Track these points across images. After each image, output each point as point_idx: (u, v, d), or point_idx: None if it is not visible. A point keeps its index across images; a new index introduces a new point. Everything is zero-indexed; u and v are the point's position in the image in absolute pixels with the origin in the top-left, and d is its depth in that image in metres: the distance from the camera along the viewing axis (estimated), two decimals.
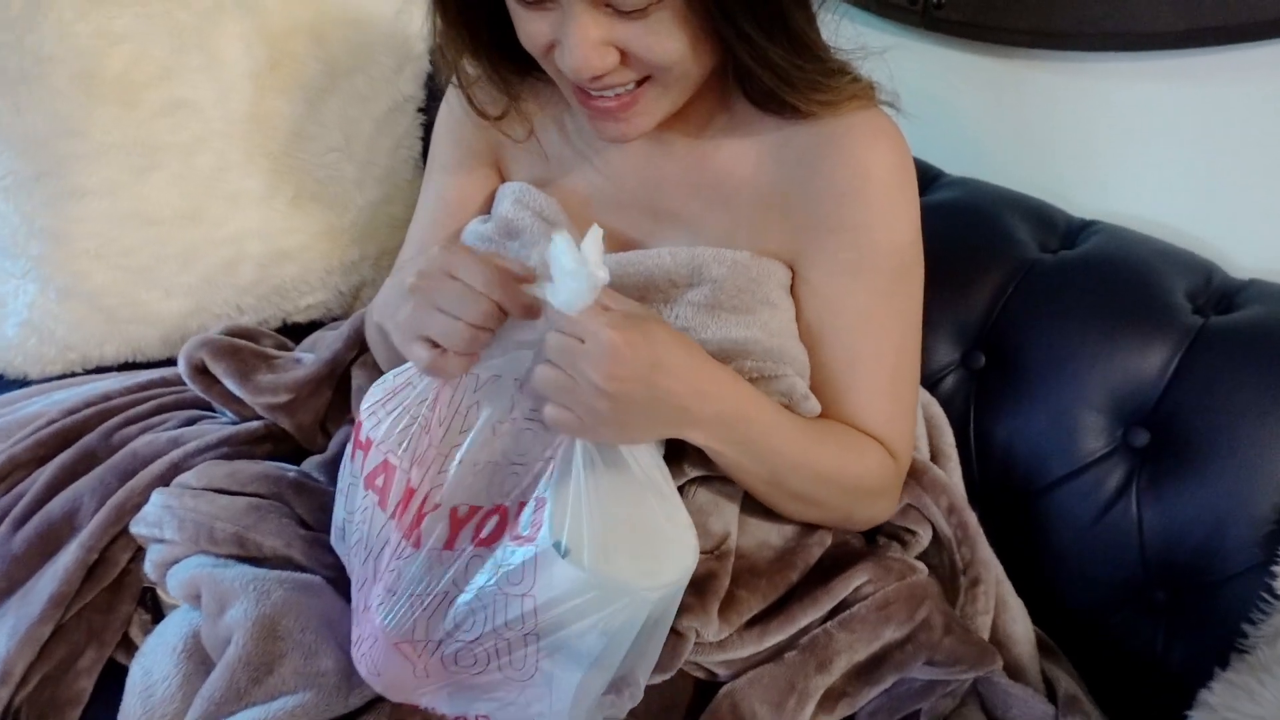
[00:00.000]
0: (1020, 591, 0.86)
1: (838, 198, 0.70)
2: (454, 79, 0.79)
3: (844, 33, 1.06)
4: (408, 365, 0.68)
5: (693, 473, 0.72)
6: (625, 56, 0.63)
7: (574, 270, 0.57)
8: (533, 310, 0.60)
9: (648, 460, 0.65)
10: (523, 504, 0.63)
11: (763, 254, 0.73)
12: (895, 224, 0.72)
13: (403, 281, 0.62)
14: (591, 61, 0.62)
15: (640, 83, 0.66)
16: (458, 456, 0.65)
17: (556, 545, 0.59)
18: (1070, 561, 0.88)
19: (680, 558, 0.63)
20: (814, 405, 0.73)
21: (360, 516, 0.69)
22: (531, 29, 0.65)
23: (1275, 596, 0.76)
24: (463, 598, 0.62)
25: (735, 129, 0.74)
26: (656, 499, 0.64)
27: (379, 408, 0.69)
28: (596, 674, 0.62)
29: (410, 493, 0.65)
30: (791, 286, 0.75)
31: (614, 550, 0.59)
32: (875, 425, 0.74)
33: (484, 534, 0.64)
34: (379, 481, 0.67)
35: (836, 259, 0.72)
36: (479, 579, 0.62)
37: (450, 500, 0.64)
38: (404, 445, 0.66)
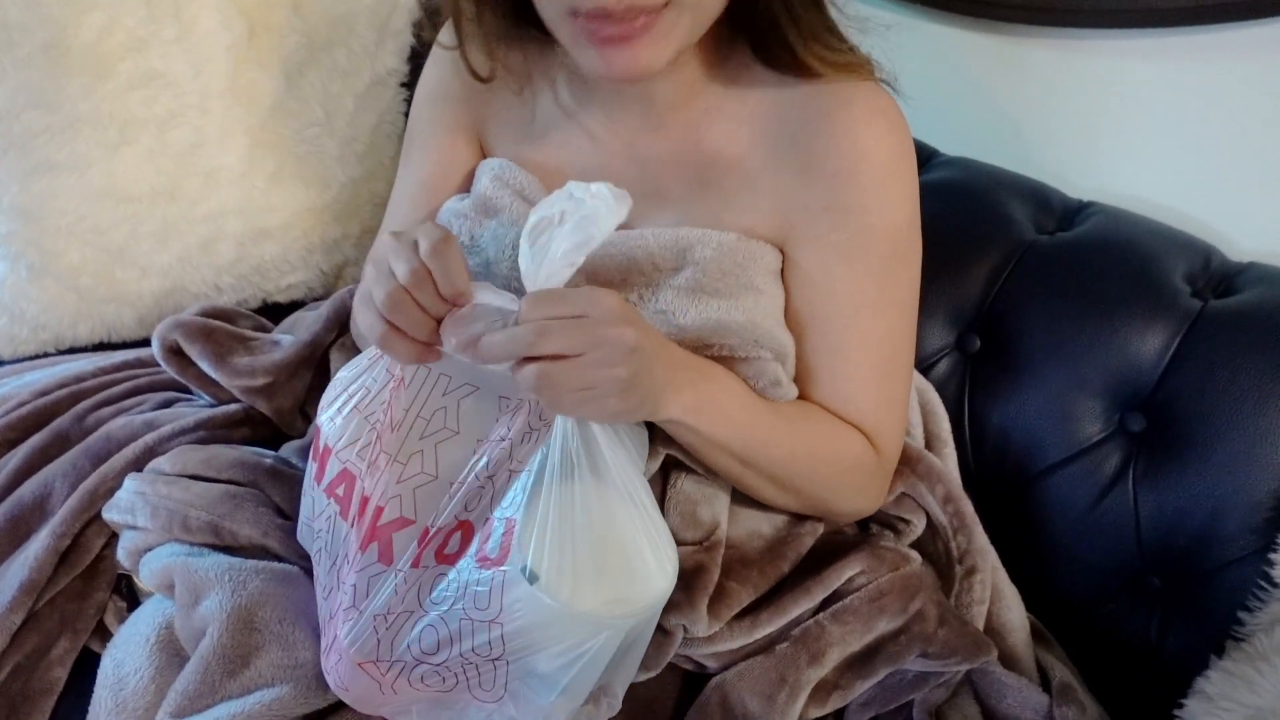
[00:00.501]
0: (1014, 578, 0.85)
1: (832, 176, 0.68)
2: (440, 41, 0.76)
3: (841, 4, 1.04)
4: (360, 364, 0.66)
5: (663, 451, 0.69)
6: None
7: (601, 193, 0.54)
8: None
9: (627, 472, 0.62)
10: (489, 521, 0.60)
11: (751, 236, 0.71)
12: (891, 207, 0.69)
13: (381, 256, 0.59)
14: None
15: (663, 6, 0.61)
16: (432, 473, 0.62)
17: (524, 570, 0.56)
18: (1066, 548, 0.87)
19: (656, 579, 0.60)
20: (784, 392, 0.71)
21: (322, 524, 0.66)
22: None
23: (1273, 584, 0.75)
24: (427, 619, 0.59)
25: (729, 101, 0.72)
26: (633, 514, 0.61)
27: (336, 412, 0.66)
28: (566, 699, 0.60)
29: (365, 501, 0.63)
30: (782, 271, 0.72)
31: (585, 577, 0.57)
32: (860, 416, 0.72)
33: (448, 550, 0.61)
34: (340, 490, 0.65)
35: (828, 241, 0.70)
36: (444, 601, 0.59)
37: (420, 517, 0.62)
38: (359, 453, 0.64)
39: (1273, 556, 0.75)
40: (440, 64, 0.82)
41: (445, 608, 0.57)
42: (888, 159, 0.69)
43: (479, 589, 0.57)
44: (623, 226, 0.72)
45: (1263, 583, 0.76)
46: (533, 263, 0.57)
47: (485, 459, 0.61)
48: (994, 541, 0.85)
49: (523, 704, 0.59)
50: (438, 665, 0.58)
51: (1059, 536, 0.87)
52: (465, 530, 0.60)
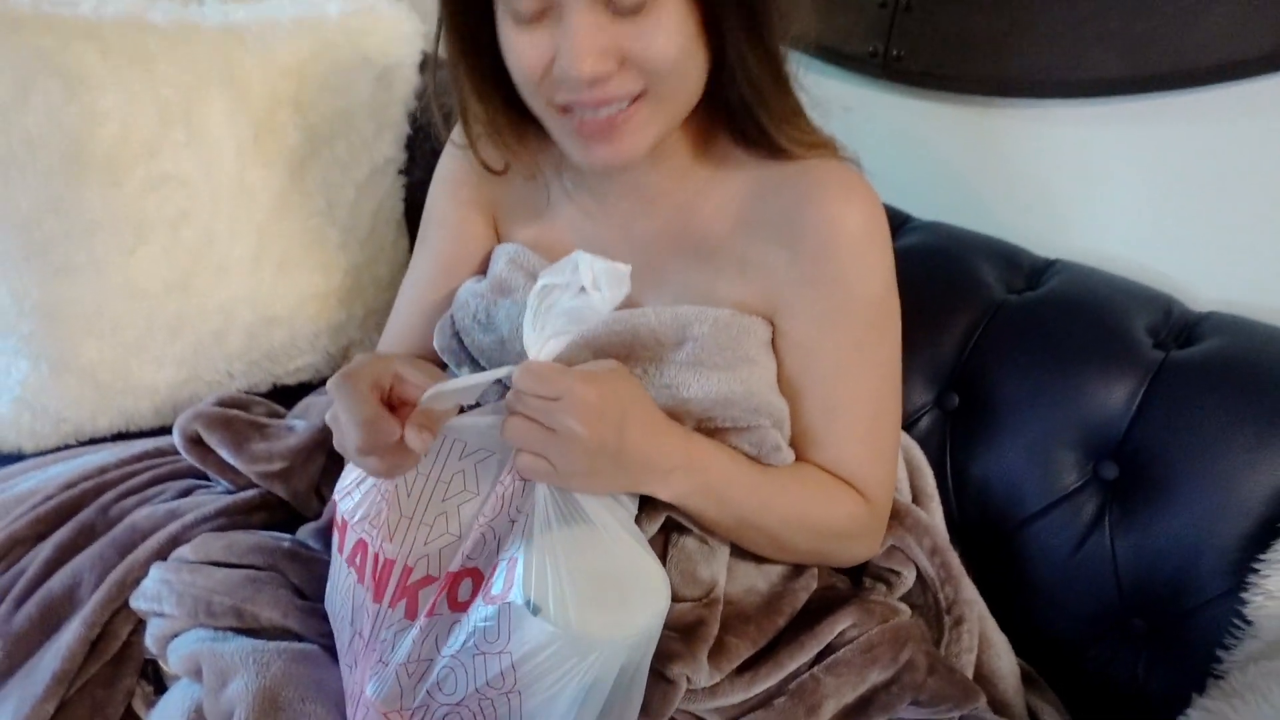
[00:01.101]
0: (1003, 624, 0.89)
1: (813, 253, 0.74)
2: (454, 140, 0.82)
3: (810, 85, 1.11)
4: None
5: (663, 513, 0.74)
6: (623, 64, 0.65)
7: (608, 270, 0.61)
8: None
9: (617, 511, 0.68)
10: (495, 566, 0.65)
11: (743, 310, 0.76)
12: (869, 277, 0.75)
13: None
14: (590, 64, 0.63)
15: (638, 97, 0.67)
16: (456, 533, 0.67)
17: (527, 603, 0.61)
18: (1050, 594, 0.91)
19: (650, 604, 0.65)
20: (784, 456, 0.76)
21: (343, 594, 0.71)
22: (528, 51, 0.66)
23: (1246, 621, 0.79)
24: (442, 660, 0.64)
25: (715, 185, 0.77)
26: (625, 547, 0.66)
27: (353, 487, 0.71)
28: None
29: (389, 565, 0.67)
30: (772, 340, 0.78)
31: (583, 603, 0.61)
32: (851, 471, 0.76)
33: (460, 597, 0.66)
34: (357, 559, 0.69)
35: (813, 311, 0.75)
36: (457, 640, 0.64)
37: (441, 569, 0.66)
38: (375, 523, 0.68)
39: (1244, 595, 0.79)
40: (455, 156, 0.87)
41: (458, 647, 0.62)
42: (862, 233, 0.74)
43: (488, 624, 0.61)
44: (625, 303, 0.79)
45: (1237, 621, 0.79)
46: (534, 329, 0.63)
47: (487, 509, 0.66)
48: (981, 589, 0.89)
49: None
50: (457, 705, 0.62)
51: (1043, 582, 0.91)
52: (475, 577, 0.64)
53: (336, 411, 0.65)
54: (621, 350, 0.75)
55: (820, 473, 0.76)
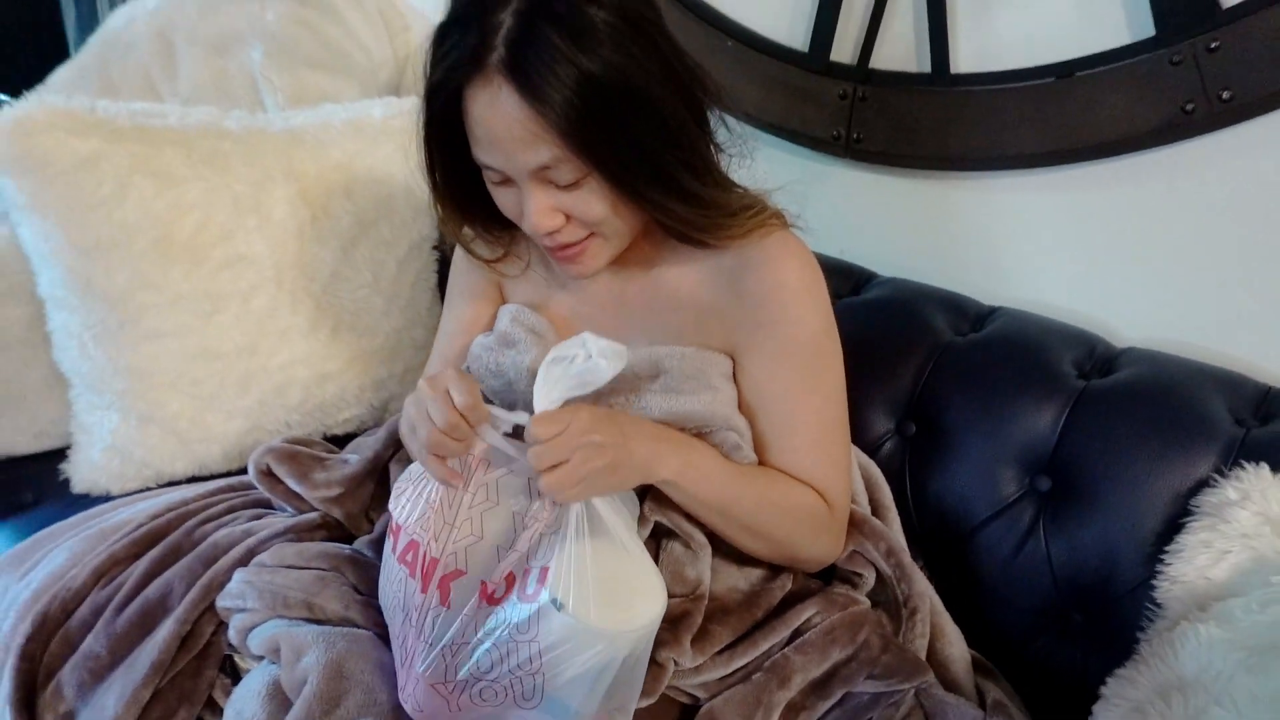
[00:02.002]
0: (958, 619, 1.02)
1: (761, 302, 0.90)
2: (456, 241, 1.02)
3: (782, 163, 1.29)
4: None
5: (653, 517, 0.89)
6: (569, 219, 0.85)
7: (605, 348, 0.78)
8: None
9: (626, 532, 0.83)
10: (528, 571, 0.80)
11: (706, 348, 0.93)
12: (807, 319, 0.91)
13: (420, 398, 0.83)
14: (544, 223, 0.84)
15: (587, 236, 0.87)
16: (479, 534, 0.83)
17: (554, 601, 0.76)
18: (998, 591, 1.04)
19: (650, 606, 0.80)
20: (744, 456, 0.91)
21: (396, 586, 0.86)
22: (504, 202, 0.88)
23: (1157, 604, 0.92)
24: (484, 645, 0.79)
25: (678, 259, 0.95)
26: (634, 558, 0.82)
27: (403, 498, 0.87)
28: (589, 699, 0.78)
29: (434, 563, 0.83)
30: (735, 374, 0.94)
31: (599, 603, 0.76)
32: (808, 477, 0.92)
33: (497, 595, 0.81)
34: (409, 557, 0.85)
35: (764, 349, 0.91)
36: (496, 632, 0.78)
37: (470, 569, 0.82)
38: (424, 526, 0.84)
39: (1154, 582, 0.92)
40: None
41: (495, 635, 0.77)
42: (799, 284, 0.91)
43: (521, 618, 0.76)
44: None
45: (1150, 605, 0.93)
46: (543, 391, 0.80)
47: (529, 530, 0.81)
48: (939, 590, 1.02)
49: (555, 709, 0.77)
50: (491, 681, 0.77)
51: (990, 582, 1.04)
52: (509, 579, 0.79)
53: (419, 413, 0.81)
54: (606, 386, 0.90)
55: (783, 474, 0.92)
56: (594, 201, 0.84)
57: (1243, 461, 0.92)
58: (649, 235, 0.94)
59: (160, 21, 1.60)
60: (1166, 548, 0.92)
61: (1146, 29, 1.03)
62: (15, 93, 1.27)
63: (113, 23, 1.65)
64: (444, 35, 0.82)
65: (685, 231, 0.88)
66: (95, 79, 1.56)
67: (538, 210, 0.84)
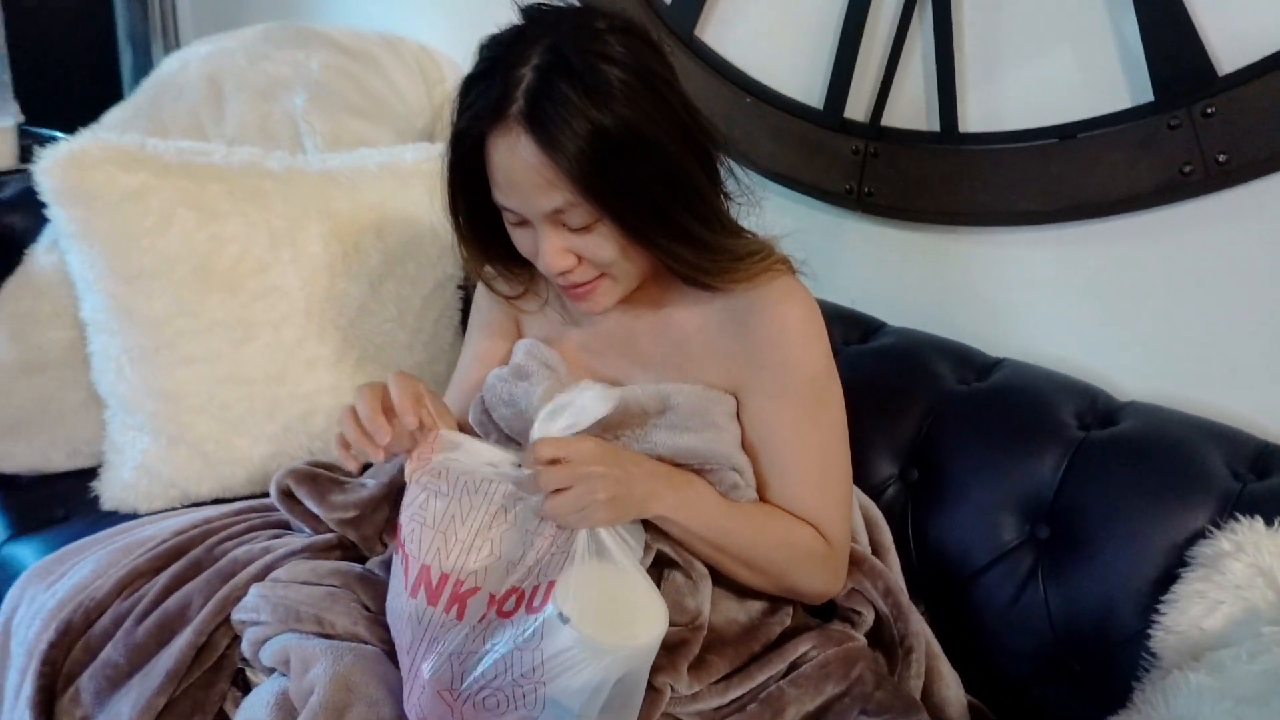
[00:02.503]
0: (957, 664, 1.03)
1: (764, 344, 0.94)
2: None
3: (796, 214, 1.34)
4: (423, 491, 0.90)
5: (655, 545, 0.92)
6: (580, 260, 0.90)
7: (602, 392, 0.83)
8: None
9: (631, 559, 0.86)
10: (537, 586, 0.83)
11: (712, 387, 0.97)
12: (808, 360, 0.95)
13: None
14: (557, 263, 0.89)
15: (598, 277, 0.92)
16: (490, 552, 0.86)
17: (559, 615, 0.79)
18: (996, 637, 1.06)
19: (650, 628, 0.83)
20: (742, 494, 0.94)
21: (402, 601, 0.89)
22: (521, 242, 0.93)
23: (1153, 654, 0.93)
24: (490, 655, 0.82)
25: (686, 300, 0.99)
26: (636, 585, 0.85)
27: (411, 520, 0.90)
28: (587, 710, 0.81)
29: (444, 578, 0.86)
30: (738, 412, 0.97)
31: (602, 620, 0.79)
32: (807, 514, 0.94)
33: (507, 608, 0.85)
34: (414, 573, 0.88)
35: (767, 389, 0.95)
36: (502, 642, 0.82)
37: (486, 585, 0.85)
38: (432, 547, 0.87)
39: (1150, 632, 0.93)
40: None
41: (503, 645, 0.79)
42: (801, 327, 0.94)
43: (527, 631, 0.79)
44: (618, 384, 0.99)
45: (1146, 655, 0.94)
46: (540, 426, 0.84)
47: (536, 547, 0.84)
48: (938, 634, 1.04)
49: (555, 718, 0.79)
50: (495, 689, 0.80)
51: (990, 628, 1.06)
52: (518, 594, 0.82)
53: (367, 395, 0.88)
54: (614, 418, 0.95)
55: (783, 511, 0.94)
56: (604, 244, 0.88)
57: (1238, 514, 0.94)
58: (659, 276, 0.98)
59: (211, 67, 1.69)
60: (1162, 597, 0.94)
61: (1146, 94, 1.07)
62: (71, 131, 1.34)
63: (166, 67, 1.75)
64: (470, 86, 0.88)
65: (692, 274, 0.92)
66: (147, 119, 1.64)
67: (551, 251, 0.89)
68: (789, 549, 0.93)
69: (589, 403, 0.83)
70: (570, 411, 0.84)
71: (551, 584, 0.82)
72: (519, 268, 1.03)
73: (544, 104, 0.82)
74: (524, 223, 0.90)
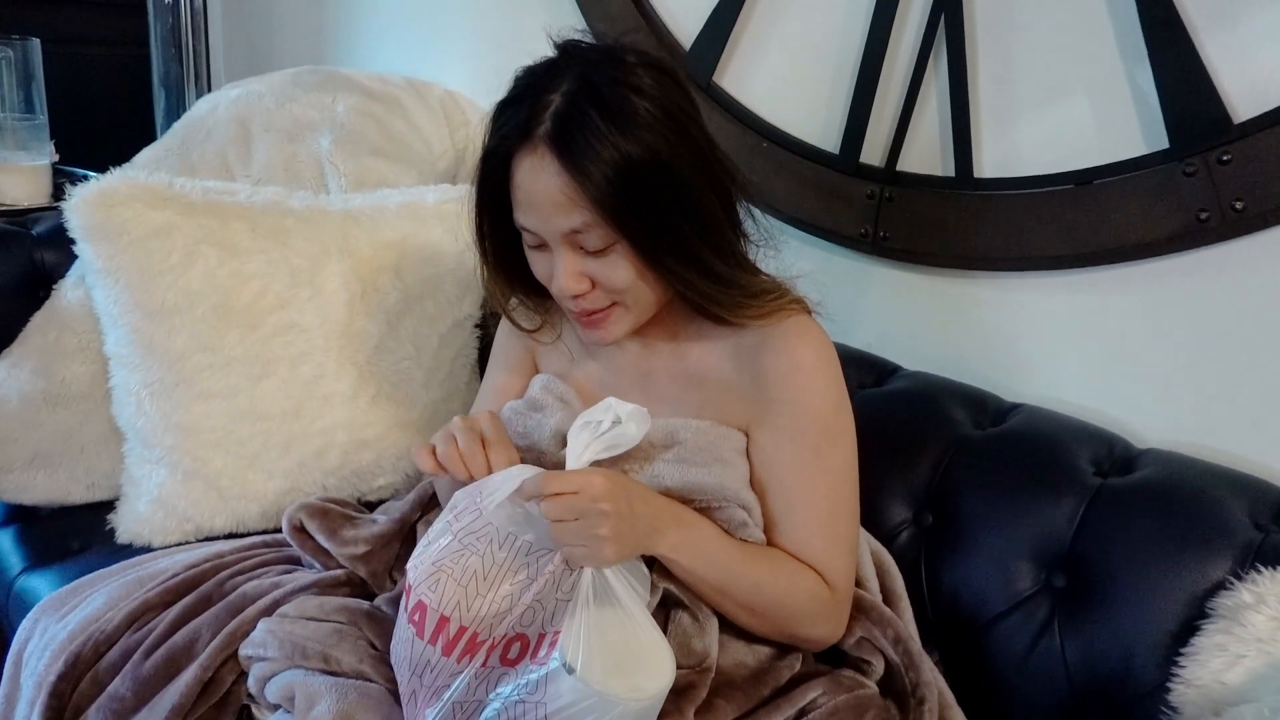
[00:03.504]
0: (972, 716, 1.01)
1: (777, 380, 0.94)
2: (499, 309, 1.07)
3: (812, 257, 1.34)
4: (438, 533, 0.90)
5: (662, 584, 0.91)
6: (594, 285, 0.90)
7: (632, 411, 0.85)
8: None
9: (637, 604, 0.85)
10: (542, 635, 0.83)
11: (723, 423, 0.96)
12: (820, 398, 0.94)
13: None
14: (571, 286, 0.90)
15: (611, 305, 0.92)
16: (506, 605, 0.85)
17: (565, 665, 0.78)
18: (1012, 688, 1.03)
19: (658, 677, 0.82)
20: (751, 532, 0.93)
21: (404, 645, 0.89)
22: (538, 266, 0.94)
23: (1173, 709, 0.91)
24: (493, 704, 0.81)
25: (702, 335, 0.99)
26: (645, 630, 0.83)
27: (419, 560, 0.90)
28: None
29: (444, 620, 0.85)
30: (748, 449, 0.97)
31: (608, 670, 0.78)
32: (812, 557, 0.93)
33: (510, 655, 0.84)
34: (416, 617, 0.87)
35: (777, 425, 0.95)
36: (505, 690, 0.81)
37: (490, 631, 0.84)
38: (453, 599, 0.86)
39: (1169, 685, 0.91)
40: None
41: (506, 694, 0.79)
42: (814, 365, 0.94)
43: (532, 680, 0.78)
44: None
45: (1165, 709, 0.91)
46: (574, 453, 0.84)
47: (535, 588, 0.84)
48: (952, 684, 1.02)
49: None
50: None
51: (1004, 678, 1.03)
52: (523, 641, 0.81)
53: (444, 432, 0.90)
54: (620, 454, 0.95)
55: (787, 555, 0.93)
56: (620, 269, 0.89)
57: (1259, 565, 0.92)
58: (674, 312, 0.99)
59: (240, 110, 1.73)
60: (1182, 650, 0.92)
61: (1161, 141, 1.07)
62: (105, 171, 1.37)
63: (196, 110, 1.79)
64: (502, 110, 0.91)
65: (706, 305, 0.93)
66: (177, 159, 1.68)
67: (566, 273, 0.90)
68: (792, 595, 0.92)
69: (629, 427, 0.84)
70: (609, 436, 0.84)
71: (557, 633, 0.81)
72: (539, 299, 1.04)
73: (570, 127, 0.85)
74: (542, 246, 0.92)
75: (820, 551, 0.93)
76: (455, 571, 0.87)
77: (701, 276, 0.90)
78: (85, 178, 1.34)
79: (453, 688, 0.83)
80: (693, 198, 0.88)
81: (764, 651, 0.96)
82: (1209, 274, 1.07)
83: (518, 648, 0.84)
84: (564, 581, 0.84)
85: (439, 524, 0.92)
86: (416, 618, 0.87)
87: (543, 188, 0.86)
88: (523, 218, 0.90)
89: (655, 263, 0.89)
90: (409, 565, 0.91)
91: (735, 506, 0.93)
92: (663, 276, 0.90)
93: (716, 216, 0.91)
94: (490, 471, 0.88)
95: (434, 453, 0.90)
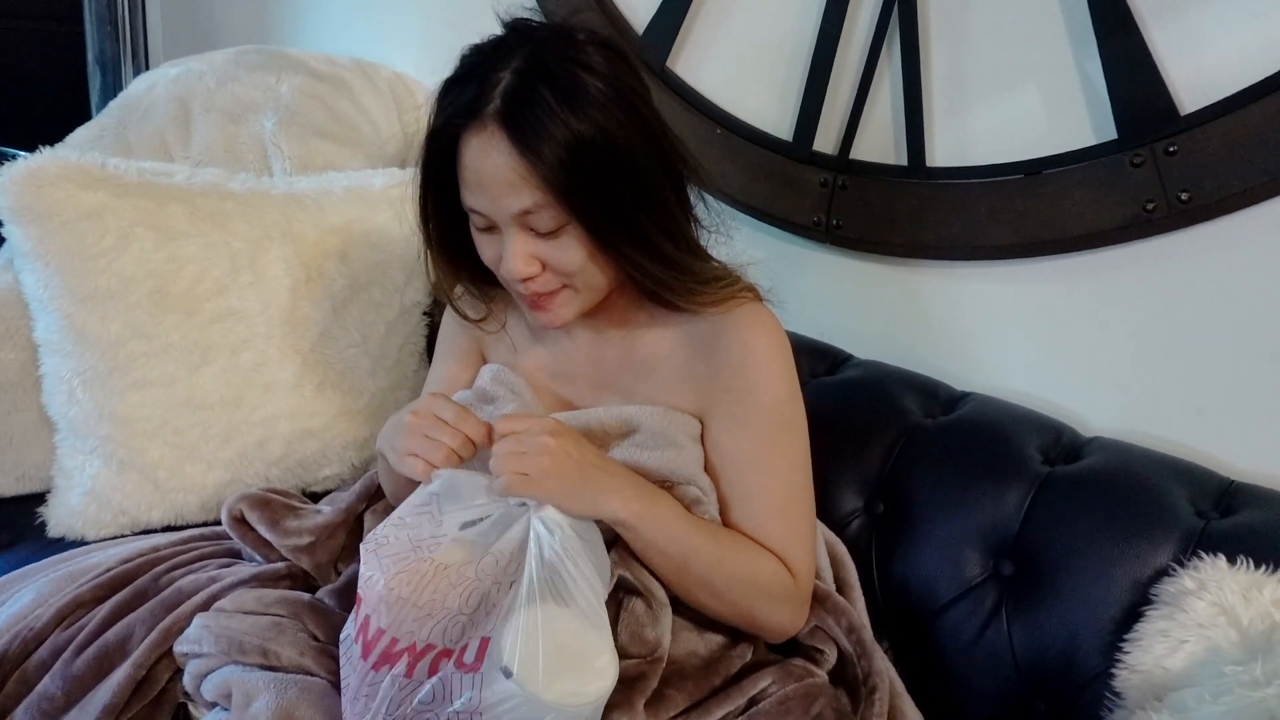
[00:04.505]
0: (921, 703, 1.01)
1: (729, 367, 0.93)
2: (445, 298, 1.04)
3: (764, 245, 1.34)
4: (384, 529, 0.86)
5: (617, 571, 0.89)
6: (544, 266, 0.88)
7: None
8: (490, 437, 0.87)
9: (588, 597, 0.81)
10: (484, 639, 0.79)
11: (676, 409, 0.95)
12: (773, 386, 0.94)
13: (400, 418, 0.87)
14: (520, 269, 0.88)
15: (560, 288, 0.90)
16: (447, 609, 0.81)
17: (503, 669, 0.75)
18: (960, 676, 1.04)
19: (601, 678, 0.80)
20: (706, 510, 0.92)
21: (346, 645, 0.85)
22: (486, 250, 0.91)
23: (1117, 694, 0.92)
24: (421, 711, 0.77)
25: (653, 322, 0.98)
26: (588, 629, 0.80)
27: (370, 557, 0.87)
28: None
29: (381, 633, 0.80)
30: (703, 437, 0.96)
31: (547, 673, 0.76)
32: (771, 544, 0.92)
33: (445, 661, 0.80)
34: (358, 623, 0.83)
35: (731, 413, 0.94)
36: (442, 697, 0.77)
37: (441, 642, 0.80)
38: (399, 619, 0.81)
39: (1114, 671, 0.92)
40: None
41: (441, 702, 0.76)
42: (767, 353, 0.94)
43: (468, 684, 0.75)
44: (581, 407, 0.97)
45: (1110, 694, 0.92)
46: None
47: (480, 598, 0.80)
48: (902, 672, 1.02)
49: None
50: None
51: (954, 665, 1.04)
52: (461, 647, 0.78)
53: (427, 421, 0.87)
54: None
55: (748, 538, 0.92)
56: (571, 251, 0.87)
57: (1201, 552, 0.93)
58: (625, 298, 0.97)
59: (180, 89, 1.67)
60: (1126, 636, 0.92)
61: (1109, 132, 1.08)
62: (34, 150, 1.32)
63: (134, 88, 1.73)
64: (449, 88, 0.88)
65: (658, 290, 0.92)
66: (112, 139, 1.62)
67: (516, 255, 0.87)
68: (754, 577, 0.91)
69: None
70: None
71: (488, 639, 0.77)
72: (484, 286, 1.02)
73: (521, 105, 0.83)
74: (490, 228, 0.89)
75: (780, 539, 0.92)
76: (400, 583, 0.82)
77: (653, 260, 0.89)
78: (14, 157, 1.29)
79: (386, 696, 0.80)
80: (645, 180, 0.87)
81: (716, 640, 0.95)
82: (1155, 265, 1.08)
83: (455, 652, 0.80)
84: (504, 580, 0.81)
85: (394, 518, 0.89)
86: (358, 623, 0.84)
87: (492, 167, 0.84)
88: (471, 199, 0.88)
89: (607, 245, 0.87)
90: (363, 554, 0.87)
91: (689, 485, 0.92)
92: (614, 259, 0.89)
93: (669, 200, 0.89)
94: (477, 448, 0.87)
95: (417, 457, 0.87)
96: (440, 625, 0.81)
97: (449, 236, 0.97)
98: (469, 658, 0.78)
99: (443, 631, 0.80)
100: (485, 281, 1.00)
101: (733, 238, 0.98)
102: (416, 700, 0.78)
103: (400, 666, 0.79)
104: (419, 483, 0.87)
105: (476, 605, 0.80)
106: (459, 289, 1.02)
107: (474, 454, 0.87)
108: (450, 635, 0.80)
